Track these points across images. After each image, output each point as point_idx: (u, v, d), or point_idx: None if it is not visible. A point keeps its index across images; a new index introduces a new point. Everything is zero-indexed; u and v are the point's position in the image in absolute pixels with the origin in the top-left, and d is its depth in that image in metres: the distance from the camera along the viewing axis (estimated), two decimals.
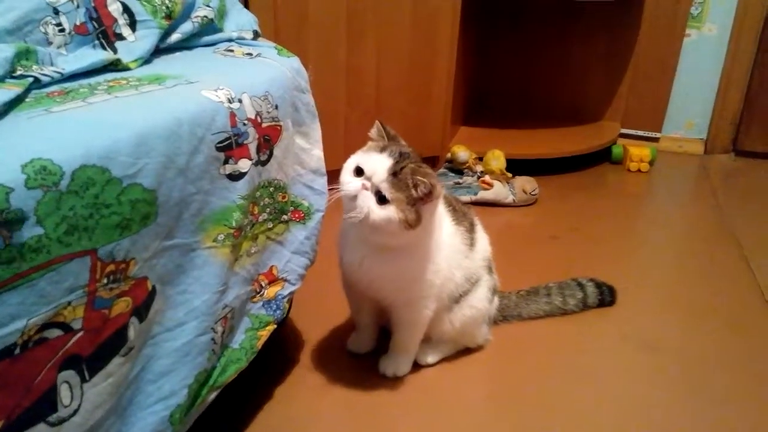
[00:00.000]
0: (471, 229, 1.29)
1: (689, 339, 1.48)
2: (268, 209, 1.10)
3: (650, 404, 1.26)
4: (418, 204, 1.07)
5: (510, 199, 2.23)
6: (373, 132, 1.18)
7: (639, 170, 2.64)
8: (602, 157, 2.72)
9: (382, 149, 1.10)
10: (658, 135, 2.89)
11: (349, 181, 1.09)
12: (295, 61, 1.21)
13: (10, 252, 0.63)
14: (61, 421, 0.72)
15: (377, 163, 1.07)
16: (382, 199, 1.06)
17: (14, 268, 0.63)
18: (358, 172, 1.09)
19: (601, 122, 2.91)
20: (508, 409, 1.25)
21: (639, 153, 2.64)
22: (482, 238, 1.34)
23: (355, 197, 1.08)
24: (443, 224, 1.22)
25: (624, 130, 2.88)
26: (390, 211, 1.06)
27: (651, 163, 2.65)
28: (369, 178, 1.07)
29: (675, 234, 2.15)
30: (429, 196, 1.07)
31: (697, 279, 1.79)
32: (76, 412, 0.74)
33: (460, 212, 1.29)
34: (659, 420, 1.23)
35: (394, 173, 1.06)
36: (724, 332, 1.51)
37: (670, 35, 2.74)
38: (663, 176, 2.66)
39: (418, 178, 1.05)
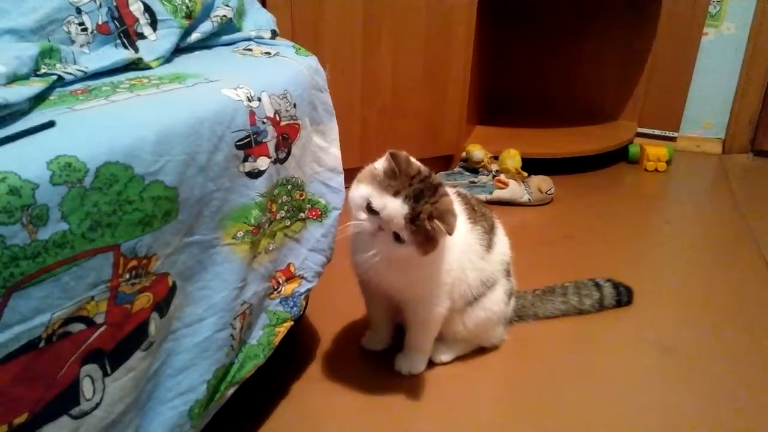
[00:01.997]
0: (490, 231, 1.29)
1: (707, 340, 1.47)
2: (286, 207, 1.11)
3: (667, 405, 1.26)
4: (437, 238, 1.08)
5: (526, 198, 2.22)
6: (379, 166, 1.11)
7: (656, 170, 2.62)
8: (619, 156, 2.70)
9: (396, 193, 1.06)
10: (675, 134, 2.87)
11: (364, 219, 1.09)
12: (313, 60, 1.22)
13: (35, 247, 0.64)
14: (83, 414, 0.73)
15: (392, 209, 1.05)
16: (399, 239, 1.07)
17: (39, 262, 0.64)
18: (370, 208, 1.08)
19: (618, 121, 2.89)
20: (523, 408, 1.25)
21: (656, 152, 2.62)
22: (502, 241, 1.33)
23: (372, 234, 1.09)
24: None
25: (641, 130, 2.87)
26: (409, 249, 1.07)
27: (668, 162, 2.64)
28: (386, 223, 1.06)
29: (692, 234, 2.14)
30: (448, 233, 1.07)
31: (714, 279, 1.78)
32: (98, 405, 0.75)
33: (479, 212, 1.28)
34: (676, 421, 1.22)
35: (412, 219, 1.05)
36: (742, 333, 1.50)
37: (688, 34, 2.72)
38: (680, 176, 2.64)
39: (436, 223, 1.05)
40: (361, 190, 1.09)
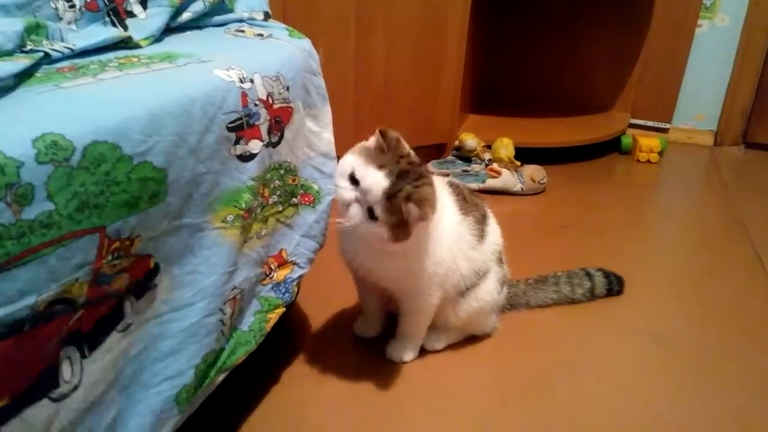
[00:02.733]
0: (482, 221, 1.27)
1: (698, 330, 1.48)
2: (279, 192, 1.09)
3: (658, 394, 1.26)
4: (410, 224, 1.04)
5: (518, 187, 2.21)
6: (371, 142, 1.10)
7: (648, 161, 2.62)
8: (611, 147, 2.70)
9: (381, 166, 1.04)
10: (668, 126, 2.87)
11: (343, 188, 1.06)
12: (306, 43, 1.20)
13: (20, 227, 0.62)
14: (63, 397, 0.71)
15: (373, 181, 1.03)
16: (373, 216, 1.04)
17: (24, 243, 0.62)
18: (353, 178, 1.05)
19: (611, 112, 2.88)
20: (514, 397, 1.25)
21: (648, 143, 2.62)
22: (494, 230, 1.32)
23: (347, 204, 1.06)
24: (446, 215, 1.18)
25: (634, 121, 2.86)
26: (379, 229, 1.04)
27: (660, 153, 2.64)
28: (363, 194, 1.04)
29: (684, 225, 2.14)
30: (421, 220, 1.03)
31: (706, 270, 1.78)
32: (76, 387, 0.73)
33: (470, 203, 1.26)
34: (666, 410, 1.22)
35: (389, 196, 1.03)
36: (733, 323, 1.50)
37: (682, 25, 2.71)
38: (672, 167, 2.64)
39: (411, 205, 1.02)
40: (348, 159, 1.08)
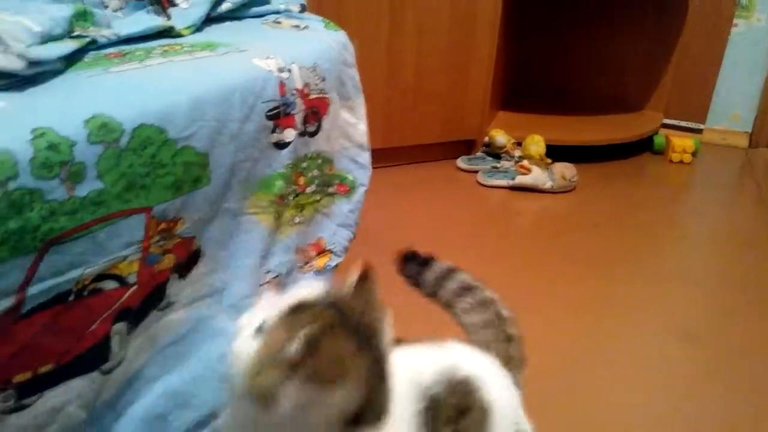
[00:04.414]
0: None
1: (731, 332, 1.46)
2: (317, 181, 1.10)
3: (692, 396, 1.25)
4: None
5: (548, 184, 2.20)
6: None
7: (681, 161, 2.58)
8: (644, 146, 2.66)
9: None
10: (701, 126, 2.83)
11: None
12: (342, 35, 1.21)
13: (73, 203, 0.64)
14: (111, 370, 0.74)
15: None
16: None
17: (77, 219, 0.65)
18: None
19: (644, 111, 2.85)
20: (545, 399, 1.24)
21: (682, 144, 2.58)
22: None
23: None
24: None
25: (667, 121, 2.82)
26: None
27: (694, 154, 2.59)
28: None
29: (717, 227, 2.11)
30: None
31: (738, 272, 1.76)
32: (121, 362, 0.76)
33: None
34: (699, 411, 1.21)
35: None
36: (764, 325, 1.48)
37: (717, 24, 2.67)
38: (706, 168, 2.60)
39: None
40: None
